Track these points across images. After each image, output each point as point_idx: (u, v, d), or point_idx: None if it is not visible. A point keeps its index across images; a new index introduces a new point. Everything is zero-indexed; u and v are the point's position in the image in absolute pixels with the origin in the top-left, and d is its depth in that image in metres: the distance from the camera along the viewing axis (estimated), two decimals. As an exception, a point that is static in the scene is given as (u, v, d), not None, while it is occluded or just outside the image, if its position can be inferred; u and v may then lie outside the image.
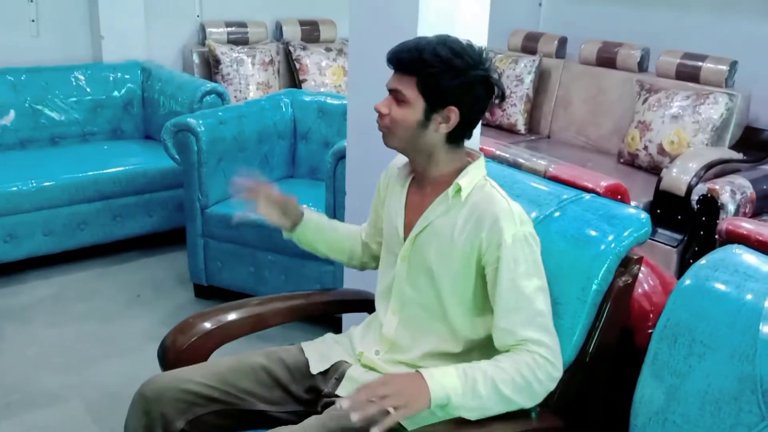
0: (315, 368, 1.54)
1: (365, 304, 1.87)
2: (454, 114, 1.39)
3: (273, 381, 1.51)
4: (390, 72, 1.43)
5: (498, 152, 2.02)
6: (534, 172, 1.80)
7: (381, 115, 1.42)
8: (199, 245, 2.89)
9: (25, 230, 3.04)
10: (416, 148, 1.44)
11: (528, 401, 1.32)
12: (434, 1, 1.89)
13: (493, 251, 1.37)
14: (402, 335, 1.51)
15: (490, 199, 1.41)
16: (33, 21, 3.69)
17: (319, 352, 1.58)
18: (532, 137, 4.17)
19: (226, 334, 1.64)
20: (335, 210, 2.56)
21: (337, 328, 2.42)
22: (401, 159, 1.58)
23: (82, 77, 3.66)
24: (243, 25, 4.20)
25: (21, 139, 3.48)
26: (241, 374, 1.49)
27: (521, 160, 1.85)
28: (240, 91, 3.97)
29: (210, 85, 3.50)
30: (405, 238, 1.51)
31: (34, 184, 3.05)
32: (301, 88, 4.15)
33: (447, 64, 1.35)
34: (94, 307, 2.91)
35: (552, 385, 1.34)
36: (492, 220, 1.38)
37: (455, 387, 1.27)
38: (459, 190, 1.43)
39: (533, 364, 1.31)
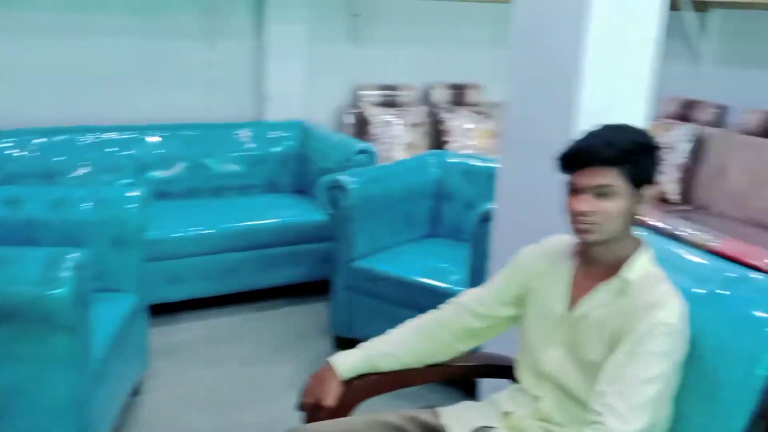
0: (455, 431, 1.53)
1: (506, 371, 1.84)
2: (649, 191, 1.43)
3: None
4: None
5: (656, 223, 1.96)
6: (695, 246, 1.72)
7: (585, 214, 1.40)
8: (342, 298, 2.98)
9: (185, 273, 3.27)
10: (619, 236, 1.44)
11: None
12: (597, 67, 1.89)
13: (633, 329, 1.35)
14: (556, 414, 1.48)
15: (653, 289, 1.40)
16: (208, 82, 4.04)
17: (457, 416, 1.57)
18: (687, 207, 3.98)
19: (368, 390, 1.67)
20: (478, 271, 2.56)
21: (472, 393, 2.40)
22: (558, 241, 1.59)
23: (246, 133, 3.94)
24: (394, 88, 4.37)
25: (188, 188, 3.78)
26: (376, 431, 1.50)
27: (681, 233, 1.78)
28: (388, 150, 4.11)
29: (361, 144, 3.66)
30: (562, 320, 1.50)
31: (196, 232, 3.29)
32: (445, 149, 4.23)
33: (643, 145, 1.41)
34: (241, 351, 3.07)
35: None
36: (648, 308, 1.36)
37: None
38: (626, 281, 1.42)
39: None
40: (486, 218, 2.48)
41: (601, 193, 1.39)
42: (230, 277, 3.38)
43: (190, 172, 3.79)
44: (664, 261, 1.60)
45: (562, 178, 1.46)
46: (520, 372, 1.61)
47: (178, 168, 3.76)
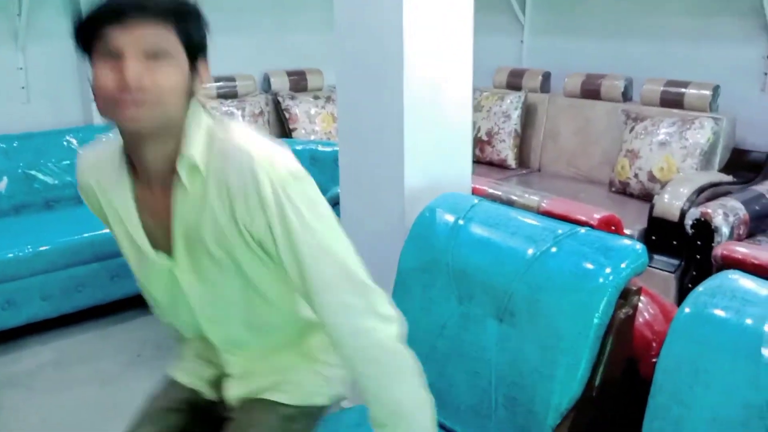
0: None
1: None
2: (206, 69, 1.14)
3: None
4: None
5: (491, 190, 2.04)
6: (527, 208, 1.82)
7: (132, 86, 1.03)
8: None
9: (23, 296, 3.02)
10: (174, 124, 1.11)
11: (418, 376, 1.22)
12: (418, 46, 1.93)
13: (260, 218, 1.12)
14: (231, 334, 1.34)
15: (226, 157, 1.12)
16: (23, 88, 3.74)
17: (188, 373, 1.49)
18: (523, 171, 4.21)
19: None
20: (332, 257, 2.57)
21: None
22: (97, 151, 1.27)
23: (74, 140, 3.69)
24: (231, 79, 4.26)
25: (15, 205, 3.49)
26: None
27: (514, 197, 1.87)
28: (231, 143, 4.01)
29: (201, 140, 3.53)
30: (163, 251, 1.23)
31: (31, 250, 3.04)
32: (291, 137, 4.19)
33: (192, 6, 1.11)
34: (95, 370, 2.89)
35: (401, 329, 1.19)
36: (238, 181, 1.11)
37: None
38: (195, 167, 1.13)
39: (388, 353, 1.18)
40: (335, 202, 2.48)
41: (153, 55, 1.04)
42: (75, 293, 3.17)
43: (16, 187, 3.49)
44: (501, 226, 1.68)
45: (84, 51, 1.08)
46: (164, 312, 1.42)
47: (2, 183, 3.46)
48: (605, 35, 4.22)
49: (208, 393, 1.45)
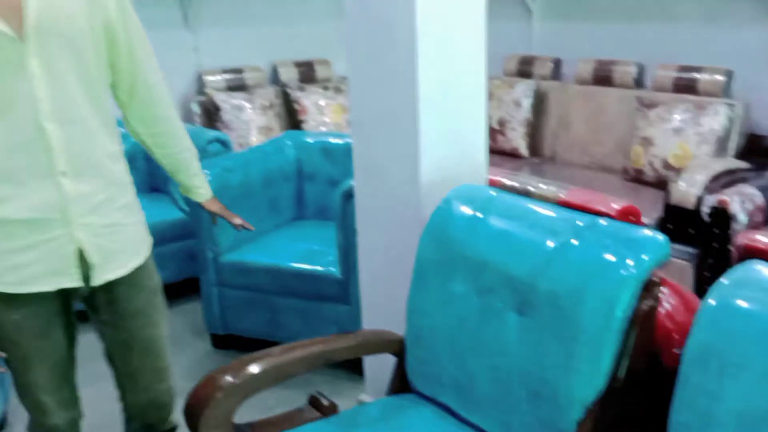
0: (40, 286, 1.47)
1: (386, 345, 1.86)
2: None
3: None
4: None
5: (507, 181, 2.03)
6: (544, 199, 1.80)
7: None
8: (213, 295, 2.89)
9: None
10: None
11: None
12: (431, 34, 1.91)
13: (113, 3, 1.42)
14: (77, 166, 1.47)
15: None
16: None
17: (21, 278, 1.45)
18: (536, 160, 4.18)
19: (250, 388, 1.63)
20: (348, 250, 2.56)
21: (358, 370, 2.41)
22: None
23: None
24: (239, 71, 4.25)
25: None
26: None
27: (531, 188, 1.86)
28: (242, 136, 4.00)
29: (212, 133, 3.53)
30: (17, 36, 1.26)
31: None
32: (301, 128, 4.18)
33: None
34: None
35: None
36: None
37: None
38: None
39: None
40: (349, 195, 2.47)
41: None
42: (90, 289, 3.17)
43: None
44: (519, 218, 1.66)
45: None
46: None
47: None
48: (615, 20, 4.17)
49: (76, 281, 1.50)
